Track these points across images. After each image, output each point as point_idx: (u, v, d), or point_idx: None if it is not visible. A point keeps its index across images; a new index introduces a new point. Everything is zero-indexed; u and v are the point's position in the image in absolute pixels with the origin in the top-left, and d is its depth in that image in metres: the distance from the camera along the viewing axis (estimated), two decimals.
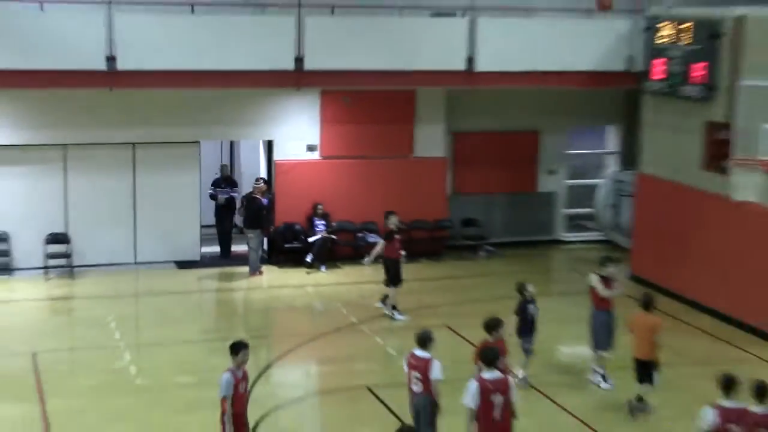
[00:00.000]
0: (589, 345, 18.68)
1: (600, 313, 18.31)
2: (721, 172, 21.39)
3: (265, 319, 23.09)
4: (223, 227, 26.47)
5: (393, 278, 22.07)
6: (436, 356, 14.54)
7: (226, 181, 26.40)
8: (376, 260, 23.10)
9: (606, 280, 18.29)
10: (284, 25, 23.98)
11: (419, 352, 14.59)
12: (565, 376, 18.74)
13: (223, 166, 26.82)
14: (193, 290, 24.27)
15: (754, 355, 20.01)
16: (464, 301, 23.09)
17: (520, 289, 17.99)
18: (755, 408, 12.61)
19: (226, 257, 26.21)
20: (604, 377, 18.26)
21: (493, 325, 15.30)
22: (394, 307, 22.14)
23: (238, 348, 13.98)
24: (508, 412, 13.32)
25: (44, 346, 19.73)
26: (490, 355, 13.65)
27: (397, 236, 22.37)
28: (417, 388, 14.54)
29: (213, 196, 26.20)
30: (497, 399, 13.23)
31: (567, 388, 18.20)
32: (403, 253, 22.34)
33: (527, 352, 17.92)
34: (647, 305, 16.96)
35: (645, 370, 16.95)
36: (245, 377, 14.03)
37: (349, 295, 23.50)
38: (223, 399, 13.69)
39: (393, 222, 22.46)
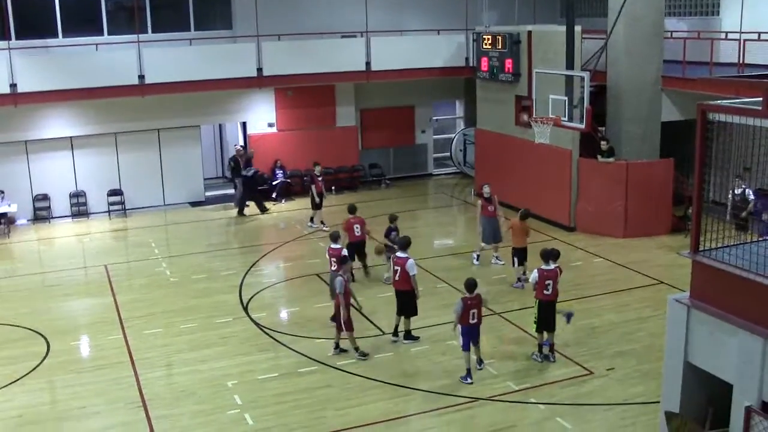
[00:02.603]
0: (479, 239, 19.27)
1: (486, 219, 19.08)
2: (527, 126, 21.83)
3: (249, 235, 23.28)
4: (249, 192, 25.37)
5: (318, 205, 22.72)
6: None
7: (248, 162, 25.39)
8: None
9: (485, 199, 19.07)
10: (249, 49, 25.00)
11: (334, 245, 15.74)
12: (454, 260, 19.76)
13: (248, 152, 25.90)
14: (202, 220, 24.69)
15: (550, 236, 21.41)
16: (373, 215, 23.04)
17: (391, 218, 18.47)
18: (552, 266, 13.94)
19: (264, 212, 25.26)
20: (477, 257, 19.34)
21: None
22: (322, 222, 22.79)
23: (345, 260, 14.47)
24: (405, 276, 14.55)
25: (111, 260, 20.74)
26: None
27: (319, 178, 22.91)
28: (334, 268, 15.33)
29: (245, 174, 25.25)
30: (397, 268, 14.60)
31: (457, 271, 18.80)
32: (323, 189, 22.85)
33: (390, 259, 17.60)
34: (523, 217, 17.80)
35: (520, 254, 17.68)
36: (348, 279, 14.29)
37: (300, 217, 24.01)
38: (339, 294, 13.94)
39: (317, 170, 23.22)
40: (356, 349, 14.47)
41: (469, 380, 13.45)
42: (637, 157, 21.78)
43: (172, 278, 19.41)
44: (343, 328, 14.21)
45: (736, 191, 18.22)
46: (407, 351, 14.71)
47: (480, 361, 13.89)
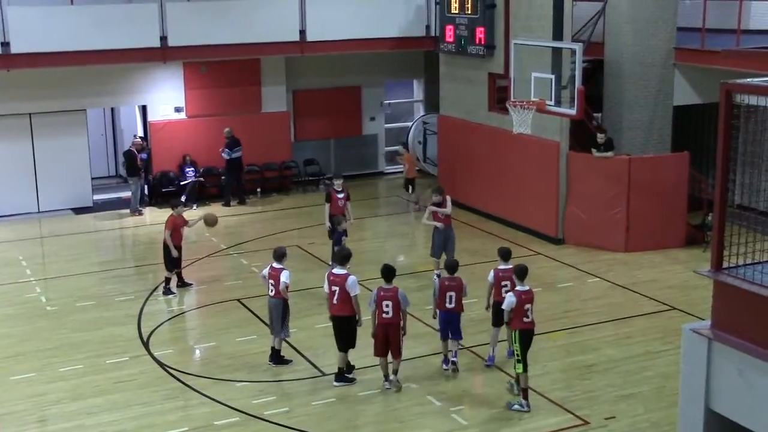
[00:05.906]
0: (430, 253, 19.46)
1: (437, 227, 19.06)
2: (503, 111, 22.25)
3: (150, 251, 22.84)
4: (230, 179, 26.80)
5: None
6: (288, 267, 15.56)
7: (234, 142, 26.33)
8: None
9: (439, 204, 19.02)
10: (149, 11, 24.79)
11: (276, 264, 15.51)
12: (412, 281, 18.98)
13: (228, 130, 26.34)
14: (89, 230, 24.64)
15: (532, 250, 21.74)
16: (309, 225, 23.96)
17: (335, 222, 19.17)
18: (527, 285, 13.88)
19: (243, 204, 26.87)
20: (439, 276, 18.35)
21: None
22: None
23: (392, 272, 14.46)
24: (344, 297, 14.45)
25: None
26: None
27: (340, 195, 20.43)
28: (272, 292, 15.46)
29: (235, 155, 26.41)
30: (335, 288, 14.56)
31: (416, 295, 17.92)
32: (347, 210, 20.52)
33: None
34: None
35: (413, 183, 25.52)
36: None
37: (217, 227, 22.25)
38: (404, 311, 14.31)
39: (337, 184, 20.66)
40: (395, 372, 14.89)
41: (445, 366, 15.19)
42: (642, 151, 22.02)
43: (49, 306, 19.25)
44: (400, 353, 14.65)
45: None
46: (353, 396, 14.63)
47: (446, 360, 15.30)
